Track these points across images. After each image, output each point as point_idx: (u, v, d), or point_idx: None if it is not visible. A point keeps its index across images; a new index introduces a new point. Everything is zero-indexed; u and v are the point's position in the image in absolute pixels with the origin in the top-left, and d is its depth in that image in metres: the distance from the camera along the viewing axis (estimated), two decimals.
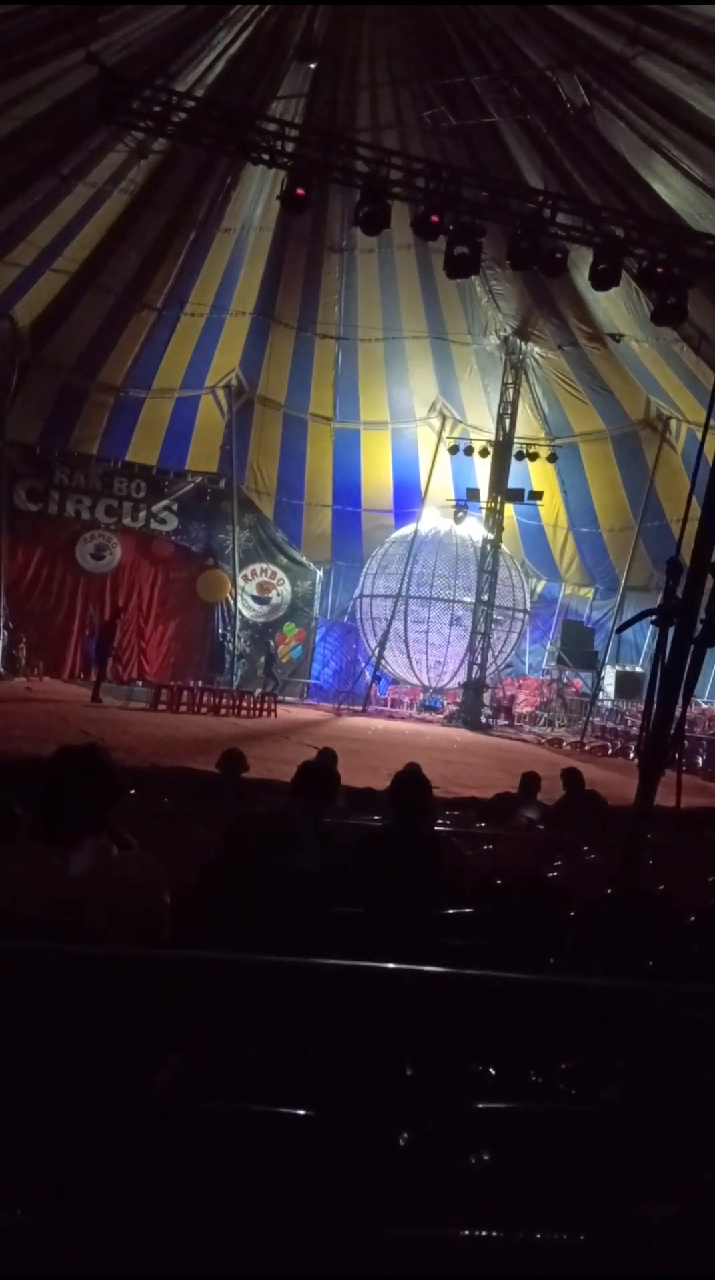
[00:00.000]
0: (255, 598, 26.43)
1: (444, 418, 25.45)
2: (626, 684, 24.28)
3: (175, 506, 25.30)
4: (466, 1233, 1.58)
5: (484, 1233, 1.58)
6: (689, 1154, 1.97)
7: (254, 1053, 2.08)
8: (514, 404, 23.75)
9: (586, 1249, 1.64)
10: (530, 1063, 2.11)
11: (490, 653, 24.16)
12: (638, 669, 23.99)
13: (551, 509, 25.70)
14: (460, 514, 25.57)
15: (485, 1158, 1.83)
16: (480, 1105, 1.90)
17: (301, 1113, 1.81)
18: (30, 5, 14.53)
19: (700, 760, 19.42)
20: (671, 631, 4.32)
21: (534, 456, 24.22)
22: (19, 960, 2.19)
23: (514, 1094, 2.04)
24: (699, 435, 18.84)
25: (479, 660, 23.83)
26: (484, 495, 24.36)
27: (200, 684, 23.34)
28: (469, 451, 24.46)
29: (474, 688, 23.78)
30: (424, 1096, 2.00)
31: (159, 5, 15.70)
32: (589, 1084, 2.16)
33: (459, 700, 24.47)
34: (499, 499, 23.95)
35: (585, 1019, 2.21)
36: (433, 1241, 1.59)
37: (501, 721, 24.79)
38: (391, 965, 2.18)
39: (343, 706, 24.69)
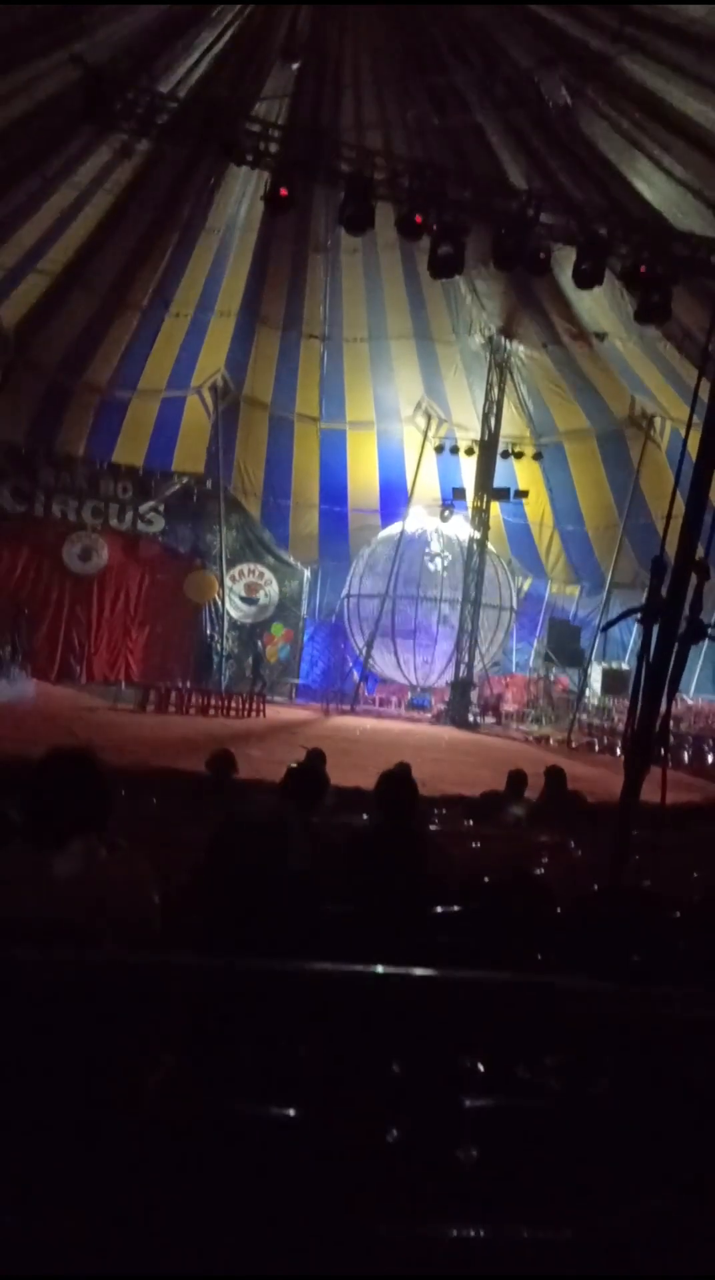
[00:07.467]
0: (243, 598, 26.41)
1: (430, 417, 25.41)
2: (613, 681, 24.32)
3: (162, 507, 25.24)
4: (455, 1232, 1.59)
5: (473, 1232, 1.59)
6: (678, 1151, 1.99)
7: (241, 1053, 2.09)
8: (499, 403, 23.79)
9: (576, 1247, 1.65)
10: (517, 1059, 2.13)
11: (477, 651, 24.19)
12: (624, 666, 24.04)
13: (537, 507, 25.75)
14: (446, 513, 25.58)
15: (473, 1153, 1.84)
16: (468, 1103, 1.91)
17: (290, 1112, 1.82)
18: (12, 5, 14.47)
19: (686, 756, 19.52)
20: (656, 629, 4.34)
21: (519, 455, 24.29)
22: (7, 963, 2.19)
23: (501, 1090, 2.05)
24: (683, 433, 18.90)
25: (466, 659, 23.86)
26: (470, 494, 24.40)
27: (188, 685, 23.31)
28: (455, 451, 24.51)
29: (462, 686, 23.80)
30: (411, 1093, 2.01)
31: (142, 4, 15.66)
32: (577, 1081, 2.17)
33: (447, 699, 24.50)
34: (485, 498, 24.01)
35: (572, 1017, 2.22)
36: (421, 1241, 1.60)
37: (489, 719, 24.81)
38: (380, 969, 2.19)
39: (331, 706, 24.69)
